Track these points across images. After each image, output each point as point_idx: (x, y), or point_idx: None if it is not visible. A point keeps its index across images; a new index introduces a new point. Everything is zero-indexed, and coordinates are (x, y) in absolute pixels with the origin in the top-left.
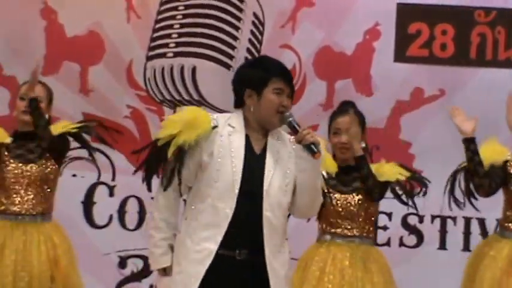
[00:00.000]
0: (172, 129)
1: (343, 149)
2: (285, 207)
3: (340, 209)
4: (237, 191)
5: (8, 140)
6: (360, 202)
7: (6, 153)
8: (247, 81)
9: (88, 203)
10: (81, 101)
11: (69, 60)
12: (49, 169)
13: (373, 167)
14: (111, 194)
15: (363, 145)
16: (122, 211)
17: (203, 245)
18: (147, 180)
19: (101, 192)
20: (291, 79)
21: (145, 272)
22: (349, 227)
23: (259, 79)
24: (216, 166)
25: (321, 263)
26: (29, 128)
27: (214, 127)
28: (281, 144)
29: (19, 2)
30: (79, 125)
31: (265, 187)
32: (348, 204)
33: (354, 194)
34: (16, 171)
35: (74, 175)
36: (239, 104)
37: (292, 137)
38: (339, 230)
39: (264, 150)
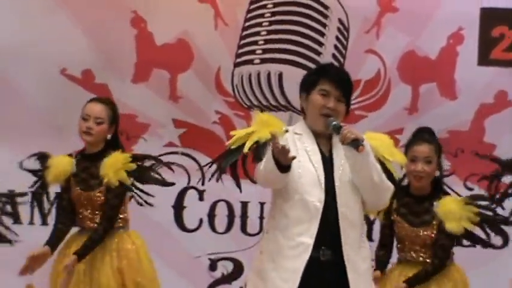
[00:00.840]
0: (246, 130)
1: (418, 177)
2: (359, 203)
3: (409, 239)
4: (323, 185)
5: (73, 168)
6: (427, 236)
7: (72, 179)
8: (301, 85)
9: (178, 208)
10: (170, 108)
11: (159, 68)
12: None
13: (440, 205)
14: (201, 198)
15: (437, 174)
16: (211, 215)
17: (298, 240)
18: (231, 176)
19: (191, 196)
20: (343, 83)
21: (235, 274)
22: (420, 254)
23: (310, 81)
24: (297, 163)
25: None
26: (94, 150)
27: (286, 131)
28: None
29: (110, 12)
30: (132, 167)
31: (336, 184)
32: (417, 236)
33: (421, 229)
34: (80, 197)
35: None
36: (301, 111)
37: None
38: (408, 255)
39: (330, 152)
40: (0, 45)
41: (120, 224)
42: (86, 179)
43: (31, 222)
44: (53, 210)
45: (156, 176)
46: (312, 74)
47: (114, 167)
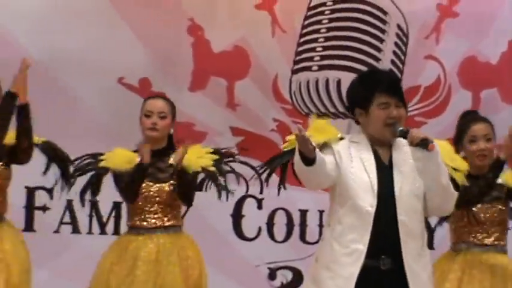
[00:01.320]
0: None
1: (481, 156)
2: (419, 211)
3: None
4: (375, 191)
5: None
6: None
7: None
8: (354, 101)
9: (237, 216)
10: (228, 116)
11: (216, 76)
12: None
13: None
14: (260, 207)
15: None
16: (270, 223)
17: (352, 246)
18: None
19: (249, 205)
20: (396, 89)
21: (294, 283)
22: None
23: (364, 98)
24: (351, 170)
25: (458, 272)
26: (158, 146)
27: (341, 138)
28: (406, 153)
29: (167, 20)
30: (214, 158)
31: (396, 192)
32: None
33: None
34: (146, 191)
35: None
36: (356, 121)
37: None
38: (481, 236)
39: (390, 160)
40: (59, 54)
41: (179, 223)
42: (153, 173)
43: (90, 232)
44: (112, 220)
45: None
46: (363, 89)
47: (196, 154)
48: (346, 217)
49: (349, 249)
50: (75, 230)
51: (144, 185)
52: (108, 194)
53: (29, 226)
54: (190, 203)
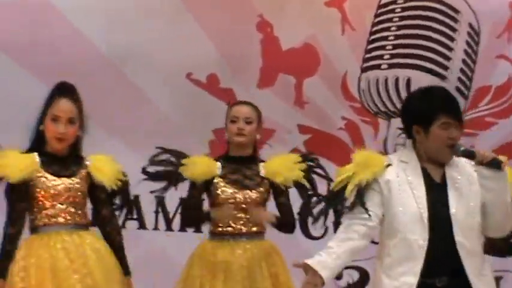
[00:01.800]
0: (347, 172)
1: None
2: (476, 229)
3: None
4: (426, 220)
5: (217, 171)
6: None
7: (220, 179)
8: (413, 117)
9: (304, 215)
10: (296, 114)
11: (285, 73)
12: (265, 195)
13: None
14: None
15: None
16: (337, 222)
17: (401, 279)
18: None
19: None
20: (458, 110)
21: (361, 283)
22: None
23: (425, 116)
24: (399, 200)
25: None
26: (242, 152)
27: (388, 165)
28: (459, 170)
29: (236, 16)
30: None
31: (452, 212)
32: None
33: None
34: (232, 198)
35: (289, 187)
36: (410, 136)
37: (470, 161)
38: None
39: (443, 179)
40: (129, 51)
41: (263, 229)
42: (240, 180)
43: (156, 228)
44: (178, 216)
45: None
46: (425, 107)
47: (286, 166)
48: (396, 250)
49: (398, 283)
50: (142, 225)
51: (230, 191)
52: (174, 190)
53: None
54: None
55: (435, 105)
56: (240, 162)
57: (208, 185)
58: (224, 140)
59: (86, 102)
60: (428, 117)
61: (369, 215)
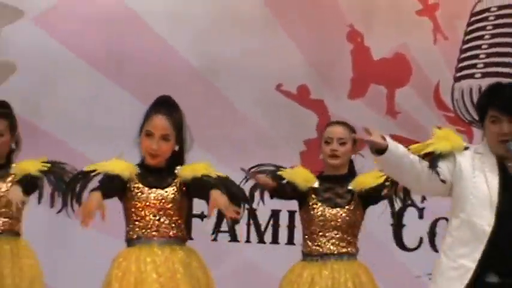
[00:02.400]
0: (425, 143)
1: None
2: None
3: None
4: (495, 207)
5: (316, 184)
6: None
7: (313, 196)
8: (476, 110)
9: (398, 226)
10: (388, 123)
11: (376, 83)
12: (356, 215)
13: None
14: (421, 216)
15: None
16: (432, 233)
17: (459, 261)
18: None
19: (410, 214)
20: (509, 105)
21: None
22: None
23: (480, 110)
24: (471, 182)
25: None
26: (338, 172)
27: (466, 148)
28: None
29: (326, 26)
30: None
31: None
32: None
33: None
34: (323, 216)
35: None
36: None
37: None
38: None
39: None
40: (219, 62)
41: (355, 251)
42: (331, 198)
43: (248, 240)
44: (270, 228)
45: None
46: (480, 102)
47: (371, 176)
48: (458, 231)
49: (455, 264)
50: (233, 238)
51: (320, 209)
52: (266, 202)
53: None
54: None
55: (486, 99)
56: (334, 181)
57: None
58: (316, 150)
59: None
60: (483, 110)
61: (437, 172)
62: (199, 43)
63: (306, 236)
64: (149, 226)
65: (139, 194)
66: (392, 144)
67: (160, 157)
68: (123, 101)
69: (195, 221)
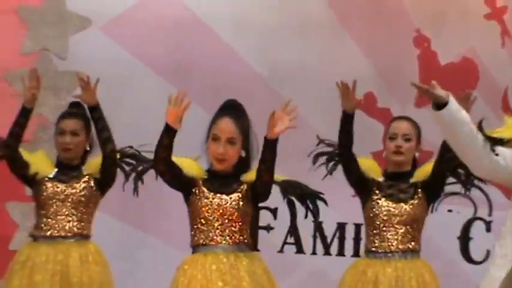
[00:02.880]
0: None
1: None
2: None
3: None
4: None
5: (380, 178)
6: None
7: (377, 191)
8: None
9: (464, 239)
10: None
11: (444, 89)
12: (420, 210)
13: None
14: (488, 230)
15: None
16: None
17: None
18: None
19: (477, 227)
20: None
21: None
22: None
23: None
24: None
25: None
26: (400, 169)
27: None
28: None
29: (392, 32)
30: None
31: None
32: None
33: None
34: (387, 211)
35: (450, 210)
36: None
37: None
38: None
39: None
40: (282, 69)
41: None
42: (394, 194)
43: (313, 252)
44: (335, 241)
45: None
46: None
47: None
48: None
49: (507, 251)
50: (299, 250)
51: (384, 204)
52: (333, 214)
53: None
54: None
55: None
56: (397, 178)
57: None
58: (384, 162)
59: None
60: None
61: (497, 154)
62: (264, 50)
63: (370, 233)
64: (214, 232)
65: (204, 199)
66: (453, 103)
67: (227, 162)
68: (191, 109)
69: (261, 233)
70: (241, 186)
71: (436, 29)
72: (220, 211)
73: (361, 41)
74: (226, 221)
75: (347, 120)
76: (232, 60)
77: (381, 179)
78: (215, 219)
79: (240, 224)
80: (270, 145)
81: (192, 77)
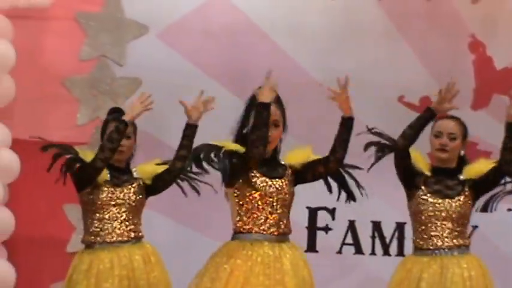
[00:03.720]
0: None
1: None
2: None
3: None
4: None
5: (428, 173)
6: None
7: (423, 187)
8: None
9: None
10: None
11: (499, 93)
12: (467, 206)
13: None
14: None
15: None
16: None
17: None
18: None
19: None
20: None
21: None
22: None
23: None
24: None
25: None
26: (445, 165)
27: None
28: None
29: (447, 36)
30: None
31: None
32: None
33: None
34: (433, 207)
35: (510, 209)
36: None
37: None
38: None
39: None
40: (340, 75)
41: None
42: (441, 190)
43: (372, 253)
44: (395, 241)
45: None
46: None
47: (482, 163)
48: None
49: None
50: (358, 250)
51: (430, 200)
52: (392, 214)
53: (311, 247)
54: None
55: None
56: (444, 174)
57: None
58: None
59: (299, 129)
60: None
61: None
62: (321, 56)
63: (416, 229)
64: (262, 220)
65: (260, 183)
66: None
67: (272, 144)
68: None
69: (320, 234)
70: (287, 171)
71: (490, 34)
72: (273, 196)
73: (416, 46)
74: (279, 206)
75: (342, 124)
76: (288, 66)
77: (428, 173)
78: (267, 205)
79: (287, 209)
80: (347, 123)
81: (248, 82)
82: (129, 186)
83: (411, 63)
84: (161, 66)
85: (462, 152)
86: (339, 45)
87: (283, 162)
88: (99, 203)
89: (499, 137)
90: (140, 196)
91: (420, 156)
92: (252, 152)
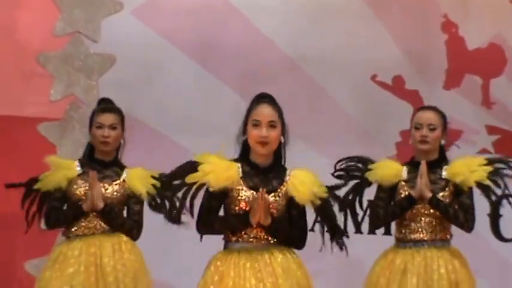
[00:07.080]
0: None
1: None
2: None
3: None
4: None
5: (404, 174)
6: None
7: (403, 183)
8: None
9: (495, 216)
10: (483, 114)
11: (471, 73)
12: (451, 199)
13: None
14: None
15: None
16: None
17: None
18: None
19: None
20: None
21: None
22: None
23: None
24: None
25: None
26: (427, 158)
27: None
28: None
29: (420, 17)
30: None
31: None
32: None
33: None
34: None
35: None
36: None
37: None
38: None
39: None
40: (314, 53)
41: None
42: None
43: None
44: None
45: None
46: None
47: (468, 167)
48: None
49: None
50: None
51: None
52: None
53: None
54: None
55: None
56: (434, 166)
57: (393, 189)
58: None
59: None
60: None
61: None
62: (295, 35)
63: (398, 222)
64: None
65: (243, 196)
66: None
67: (270, 145)
68: (222, 93)
69: None
70: (282, 187)
71: (463, 15)
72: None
73: (389, 26)
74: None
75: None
76: (262, 44)
77: (405, 174)
78: None
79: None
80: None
81: (222, 59)
82: (107, 185)
83: (384, 43)
84: (135, 42)
85: (443, 142)
86: (313, 23)
87: (287, 171)
88: (74, 197)
89: (470, 116)
90: (118, 196)
91: (389, 164)
92: (198, 226)
